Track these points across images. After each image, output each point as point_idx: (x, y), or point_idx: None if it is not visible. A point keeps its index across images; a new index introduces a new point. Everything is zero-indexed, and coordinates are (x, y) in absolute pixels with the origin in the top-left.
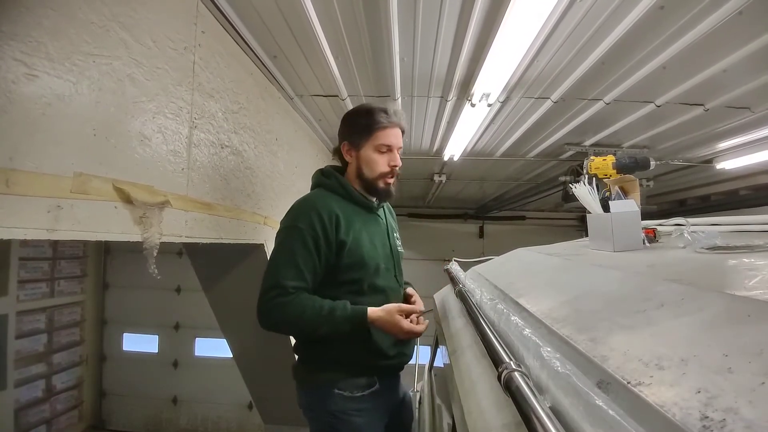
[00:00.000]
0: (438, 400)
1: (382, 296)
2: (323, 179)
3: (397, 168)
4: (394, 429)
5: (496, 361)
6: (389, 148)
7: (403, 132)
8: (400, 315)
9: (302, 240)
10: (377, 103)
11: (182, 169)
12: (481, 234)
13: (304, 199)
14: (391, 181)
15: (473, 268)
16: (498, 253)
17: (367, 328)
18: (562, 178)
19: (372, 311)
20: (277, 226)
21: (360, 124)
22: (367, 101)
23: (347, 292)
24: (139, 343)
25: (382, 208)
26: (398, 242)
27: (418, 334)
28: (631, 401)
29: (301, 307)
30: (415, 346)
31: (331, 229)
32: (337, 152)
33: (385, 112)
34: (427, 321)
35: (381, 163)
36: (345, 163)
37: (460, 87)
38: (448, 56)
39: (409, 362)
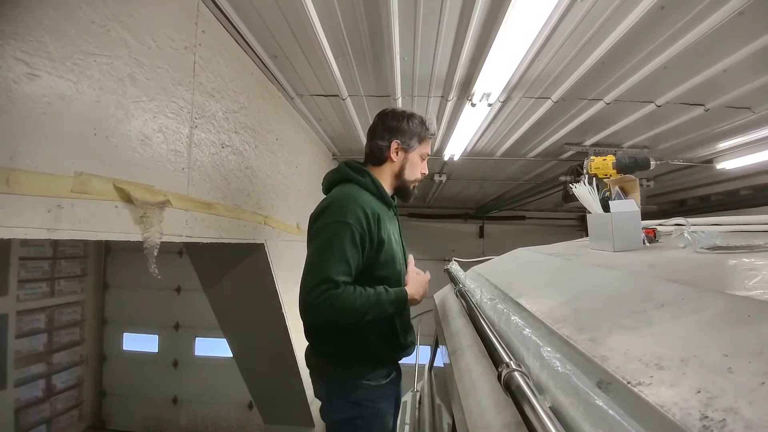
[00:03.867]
0: (438, 400)
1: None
2: (354, 175)
3: (425, 175)
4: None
5: (496, 361)
6: (426, 158)
7: None
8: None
9: (351, 236)
10: (417, 111)
11: (183, 168)
12: (481, 234)
13: (345, 195)
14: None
15: (473, 268)
16: (498, 253)
17: (406, 306)
18: (563, 178)
19: (407, 289)
20: (278, 226)
21: (415, 130)
22: (368, 101)
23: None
24: (139, 342)
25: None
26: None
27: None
28: (631, 401)
29: (352, 297)
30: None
31: (374, 227)
32: (377, 148)
33: (433, 123)
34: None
35: (417, 171)
36: (378, 160)
37: (461, 87)
38: (449, 56)
39: (410, 363)
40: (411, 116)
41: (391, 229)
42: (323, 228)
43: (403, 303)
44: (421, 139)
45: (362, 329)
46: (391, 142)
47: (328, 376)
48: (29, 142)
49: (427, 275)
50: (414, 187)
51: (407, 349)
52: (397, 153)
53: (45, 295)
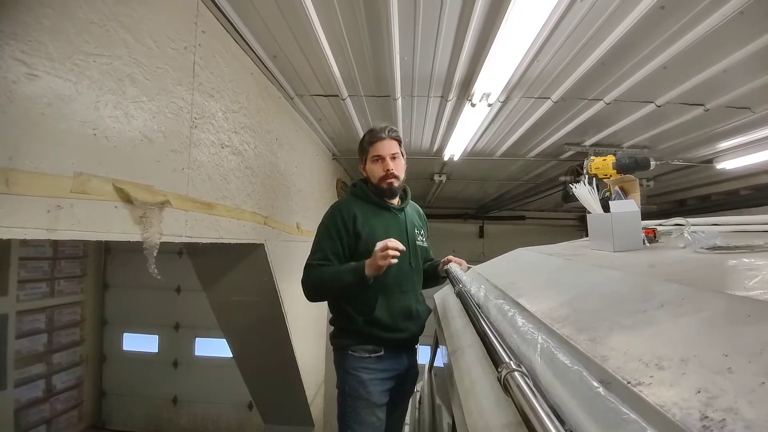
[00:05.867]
0: (438, 400)
1: (390, 274)
2: (352, 188)
3: (391, 171)
4: (396, 394)
5: (495, 361)
6: (380, 158)
7: (399, 141)
8: (384, 250)
9: (327, 231)
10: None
11: (182, 168)
12: (481, 234)
13: (333, 204)
14: (392, 181)
15: (473, 267)
16: (498, 253)
17: (366, 276)
18: (562, 178)
19: (367, 261)
20: (277, 226)
21: (361, 146)
22: (368, 101)
23: None
24: (139, 342)
25: (403, 210)
26: (420, 237)
27: (384, 258)
28: (631, 401)
29: (321, 272)
30: (424, 321)
31: (349, 223)
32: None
33: (373, 130)
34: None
35: (378, 171)
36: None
37: (461, 87)
38: (449, 56)
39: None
40: (361, 140)
41: (380, 224)
42: (317, 229)
43: (360, 271)
44: (365, 151)
45: (346, 307)
46: (360, 166)
47: (333, 344)
48: (29, 142)
49: (381, 252)
50: (386, 184)
51: (394, 331)
52: (363, 171)
53: (45, 295)
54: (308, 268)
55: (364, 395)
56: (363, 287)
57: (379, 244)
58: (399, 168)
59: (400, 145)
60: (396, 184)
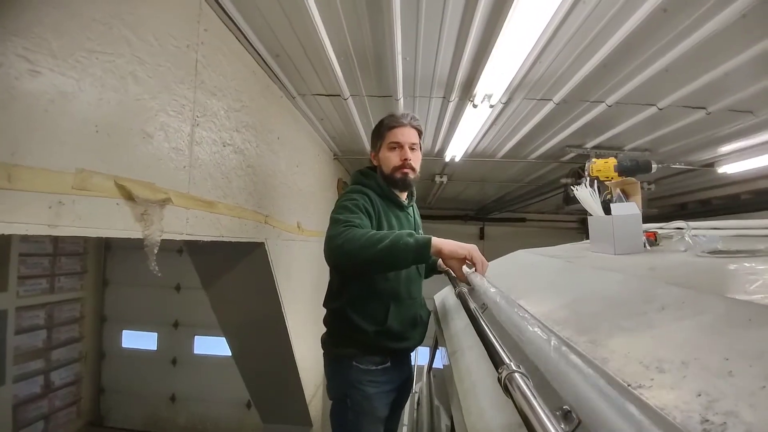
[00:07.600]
0: (436, 402)
1: (401, 279)
2: (362, 179)
3: (409, 161)
4: (396, 405)
5: (496, 362)
6: (399, 145)
7: (419, 132)
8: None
9: (355, 202)
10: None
11: (184, 166)
12: (482, 236)
13: (352, 187)
14: (407, 171)
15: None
16: (498, 255)
17: (430, 249)
18: (564, 181)
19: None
20: (278, 225)
21: (376, 132)
22: (370, 101)
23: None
24: (138, 340)
25: (411, 207)
26: None
27: (470, 257)
28: (631, 404)
29: (364, 230)
30: (426, 327)
31: (371, 209)
32: (369, 161)
33: (393, 115)
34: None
35: (393, 159)
36: (375, 169)
37: (463, 88)
38: (451, 57)
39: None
40: (378, 124)
41: (395, 221)
42: (335, 208)
43: (425, 239)
44: (381, 136)
45: (351, 313)
46: (371, 153)
47: (328, 353)
48: (31, 138)
49: (474, 250)
50: (401, 173)
51: (403, 341)
52: (375, 159)
53: (44, 291)
54: (345, 227)
55: (369, 410)
56: (417, 260)
57: (474, 250)
58: (416, 160)
59: (420, 136)
60: (411, 176)
